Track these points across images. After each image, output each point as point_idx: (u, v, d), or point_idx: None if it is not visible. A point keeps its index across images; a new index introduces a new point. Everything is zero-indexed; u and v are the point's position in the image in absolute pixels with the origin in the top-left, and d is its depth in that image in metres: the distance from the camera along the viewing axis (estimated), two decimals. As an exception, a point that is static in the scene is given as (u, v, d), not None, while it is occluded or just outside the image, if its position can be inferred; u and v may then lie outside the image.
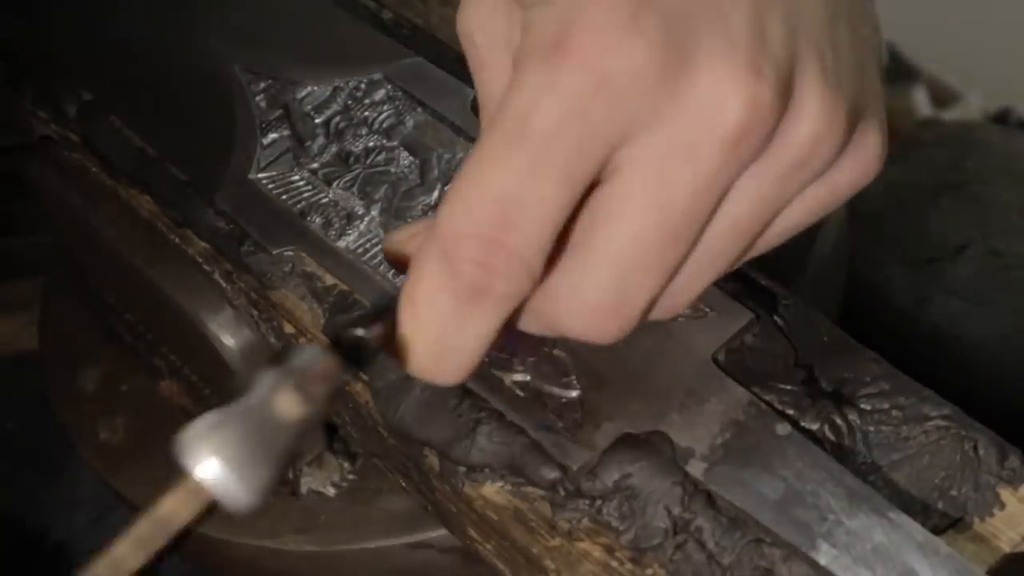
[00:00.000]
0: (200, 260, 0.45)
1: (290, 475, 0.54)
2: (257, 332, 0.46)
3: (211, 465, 0.26)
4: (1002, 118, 1.06)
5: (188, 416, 0.58)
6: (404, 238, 0.33)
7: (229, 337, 0.46)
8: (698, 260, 0.30)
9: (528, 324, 0.31)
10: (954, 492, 0.36)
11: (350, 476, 0.54)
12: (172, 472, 0.60)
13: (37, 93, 0.52)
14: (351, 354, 0.29)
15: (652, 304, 0.30)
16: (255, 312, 0.45)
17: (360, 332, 0.29)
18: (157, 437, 0.59)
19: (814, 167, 0.29)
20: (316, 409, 0.27)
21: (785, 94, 0.28)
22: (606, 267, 0.29)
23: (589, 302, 0.29)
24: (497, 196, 0.28)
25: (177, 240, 0.46)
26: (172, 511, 0.26)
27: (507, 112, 0.28)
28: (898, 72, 1.13)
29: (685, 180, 0.28)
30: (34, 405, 0.69)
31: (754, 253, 0.32)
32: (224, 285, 0.45)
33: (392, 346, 0.30)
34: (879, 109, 0.31)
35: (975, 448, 0.36)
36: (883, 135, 0.31)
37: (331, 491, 0.54)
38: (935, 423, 0.37)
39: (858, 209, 0.84)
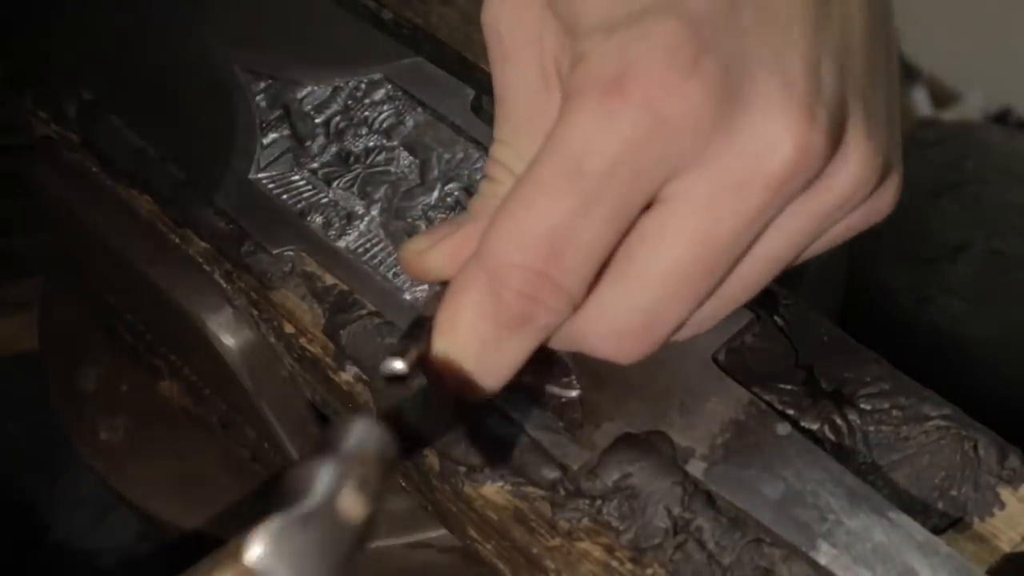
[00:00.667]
0: (200, 260, 0.45)
1: None
2: (257, 332, 0.46)
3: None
4: (1002, 118, 1.06)
5: (188, 416, 0.58)
6: (423, 248, 0.33)
7: (229, 337, 0.46)
8: (728, 290, 0.31)
9: (554, 342, 0.32)
10: (954, 492, 0.36)
11: (350, 476, 0.54)
12: (171, 472, 0.60)
13: (37, 93, 0.52)
14: (400, 412, 0.30)
15: (678, 329, 0.31)
16: (255, 312, 0.45)
17: (399, 365, 0.29)
18: (157, 437, 0.59)
19: (848, 210, 0.30)
20: (379, 504, 0.26)
21: (835, 139, 0.28)
22: (640, 294, 0.30)
23: (619, 327, 0.30)
24: (548, 231, 0.28)
25: (177, 240, 0.46)
26: None
27: (561, 147, 0.28)
28: (896, 152, 1.12)
29: (730, 217, 0.28)
30: (34, 405, 0.69)
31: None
32: (224, 285, 0.45)
33: (425, 366, 0.31)
34: (901, 158, 0.32)
35: (975, 448, 0.36)
36: (901, 182, 0.32)
37: None
38: (935, 423, 0.37)
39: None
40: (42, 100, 0.51)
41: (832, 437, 0.37)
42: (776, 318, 0.39)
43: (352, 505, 0.26)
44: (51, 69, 0.52)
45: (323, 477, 0.25)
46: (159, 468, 0.58)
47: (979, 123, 1.03)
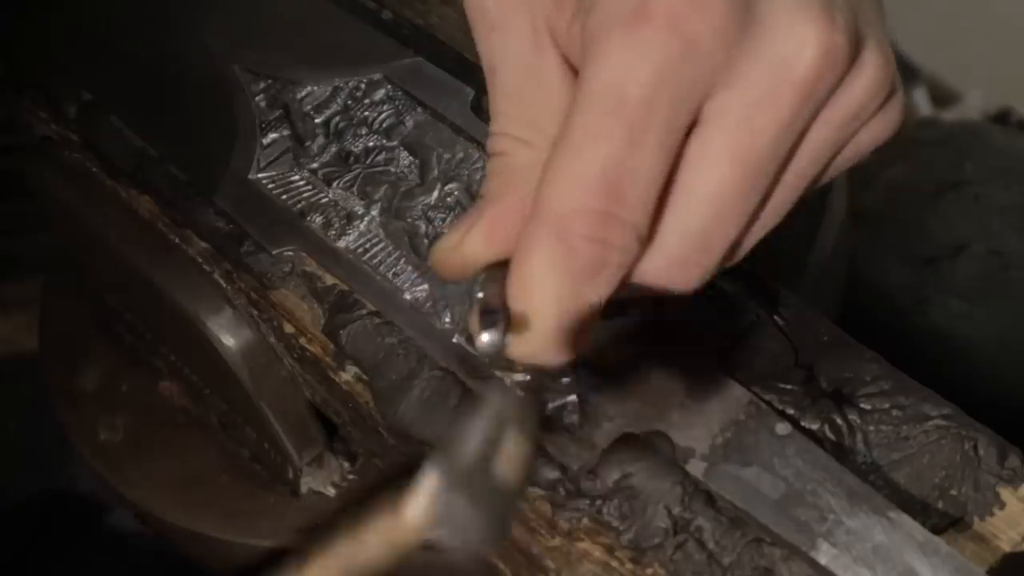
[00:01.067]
0: (200, 260, 0.45)
1: (290, 475, 0.54)
2: (257, 332, 0.46)
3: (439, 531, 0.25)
4: (1002, 118, 1.06)
5: (188, 416, 0.58)
6: (455, 242, 0.32)
7: (229, 337, 0.46)
8: (769, 207, 0.31)
9: None
10: (954, 491, 0.36)
11: (350, 476, 0.54)
12: (171, 472, 0.59)
13: (37, 93, 0.52)
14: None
15: (732, 251, 0.31)
16: (255, 312, 0.45)
17: (492, 337, 0.29)
18: (157, 437, 0.59)
19: (864, 119, 0.30)
20: (530, 462, 0.27)
21: (854, 43, 0.29)
22: (692, 218, 0.30)
23: (676, 253, 0.30)
24: (604, 170, 0.28)
25: (177, 240, 0.46)
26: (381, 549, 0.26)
27: (597, 85, 0.28)
28: (898, 72, 1.12)
29: (766, 127, 0.29)
30: (34, 405, 0.69)
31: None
32: (224, 285, 0.45)
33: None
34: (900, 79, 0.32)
35: (975, 447, 0.36)
36: (905, 100, 0.32)
37: (331, 491, 0.54)
38: (935, 422, 0.37)
39: (858, 209, 0.84)
40: (42, 100, 0.52)
41: (832, 437, 0.37)
42: (776, 318, 0.39)
43: (507, 462, 0.26)
44: (51, 69, 0.52)
45: (475, 438, 0.26)
46: (159, 468, 0.58)
47: (979, 123, 1.03)
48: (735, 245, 0.31)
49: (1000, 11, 1.05)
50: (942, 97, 1.12)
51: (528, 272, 0.29)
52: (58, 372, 0.63)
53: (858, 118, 0.30)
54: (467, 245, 0.32)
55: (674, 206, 0.30)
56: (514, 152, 0.32)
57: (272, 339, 0.45)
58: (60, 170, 0.50)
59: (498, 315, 0.29)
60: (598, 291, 0.30)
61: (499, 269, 0.31)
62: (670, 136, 0.29)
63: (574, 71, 0.31)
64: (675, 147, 0.29)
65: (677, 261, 0.30)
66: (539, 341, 0.30)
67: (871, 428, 0.37)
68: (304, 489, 0.54)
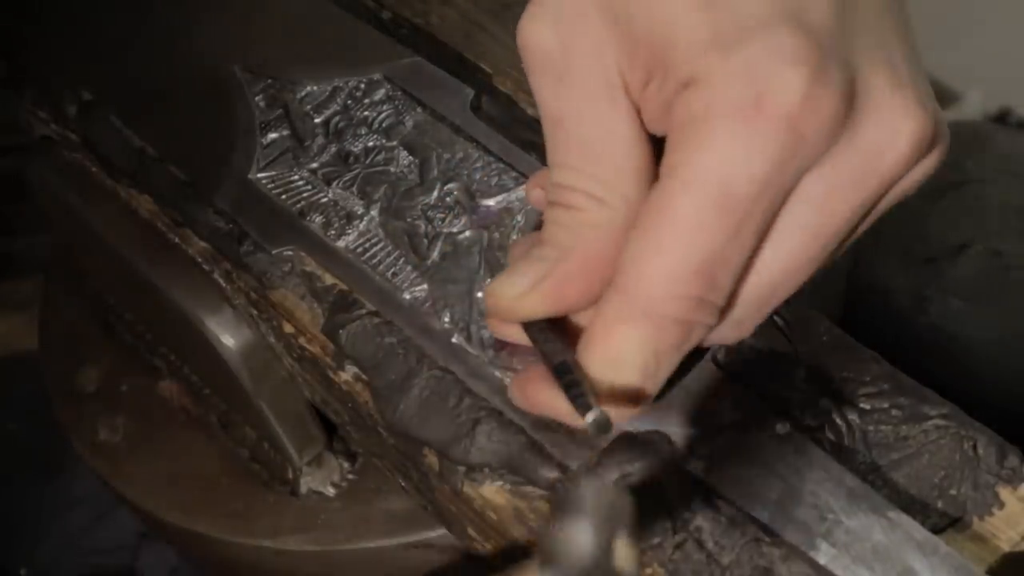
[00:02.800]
0: (200, 260, 0.45)
1: (290, 475, 0.54)
2: (257, 332, 0.46)
3: None
4: (1002, 118, 1.06)
5: (188, 416, 0.58)
6: (520, 292, 0.32)
7: (228, 337, 0.46)
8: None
9: None
10: (953, 491, 0.36)
11: (350, 476, 0.54)
12: (171, 472, 0.59)
13: (37, 93, 0.52)
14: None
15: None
16: (254, 312, 0.45)
17: (598, 415, 0.29)
18: (157, 437, 0.59)
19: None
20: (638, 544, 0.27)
21: (936, 125, 0.30)
22: (762, 290, 0.31)
23: (740, 319, 0.31)
24: (703, 261, 0.29)
25: (177, 240, 0.46)
26: None
27: (704, 173, 0.28)
28: None
29: (847, 210, 0.29)
30: (34, 405, 0.69)
31: None
32: (224, 285, 0.45)
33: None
34: None
35: (974, 447, 0.36)
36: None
37: (331, 491, 0.54)
38: (934, 422, 0.37)
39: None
40: (42, 100, 0.51)
41: (831, 437, 0.37)
42: (776, 318, 0.39)
43: (625, 560, 0.26)
44: (51, 69, 0.52)
45: (588, 539, 0.26)
46: (159, 468, 0.58)
47: (979, 123, 1.03)
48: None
49: (1000, 11, 1.05)
50: (942, 97, 1.12)
51: (615, 348, 0.30)
52: (58, 372, 0.63)
53: (917, 184, 0.31)
54: (532, 301, 0.32)
55: (747, 279, 0.31)
56: (587, 208, 0.31)
57: (272, 339, 0.46)
58: (60, 170, 0.50)
59: (582, 387, 0.30)
60: (678, 358, 0.31)
61: (553, 322, 0.33)
62: (766, 223, 0.29)
63: (645, 129, 0.31)
64: (769, 226, 0.30)
65: (740, 324, 0.32)
66: (622, 411, 0.31)
67: (870, 428, 0.37)
68: (304, 489, 0.54)
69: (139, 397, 0.60)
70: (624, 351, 0.30)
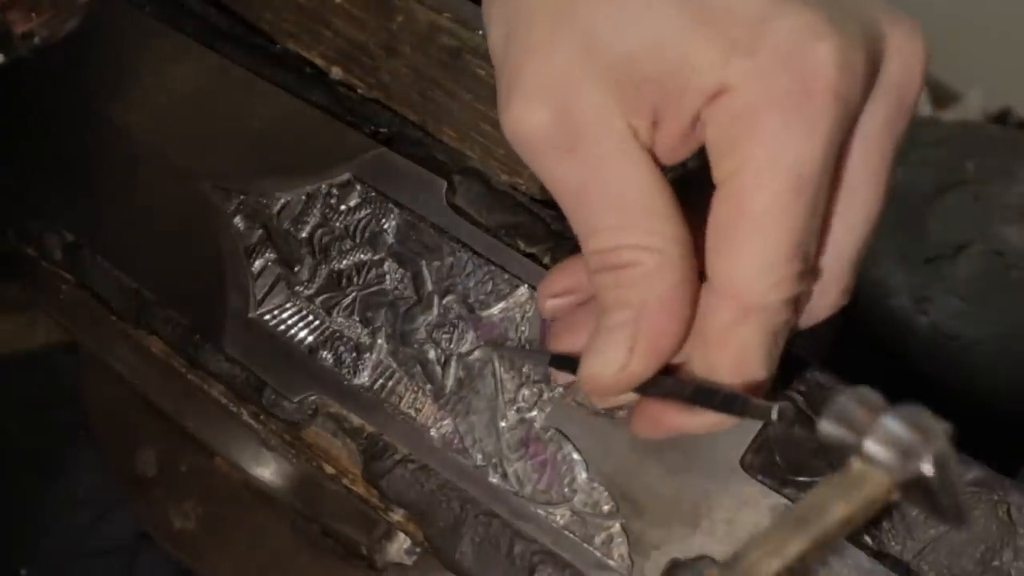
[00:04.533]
0: (224, 400, 0.45)
1: (364, 551, 0.53)
2: (299, 465, 0.45)
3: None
4: (1002, 118, 1.06)
5: (251, 490, 0.56)
6: (620, 366, 0.32)
7: (273, 477, 0.46)
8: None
9: None
10: (996, 563, 0.35)
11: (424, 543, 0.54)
12: (251, 556, 0.59)
13: (19, 233, 0.50)
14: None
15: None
16: (292, 452, 0.44)
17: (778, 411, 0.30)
18: (229, 519, 0.58)
19: None
20: None
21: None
22: (849, 238, 0.32)
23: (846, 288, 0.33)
24: (795, 242, 0.30)
25: (196, 380, 0.45)
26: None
27: (771, 169, 0.29)
28: None
29: (891, 148, 0.32)
30: (34, 405, 0.69)
31: None
32: (255, 426, 0.45)
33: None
34: None
35: (1008, 512, 0.36)
36: None
37: (408, 560, 0.53)
38: (968, 490, 0.36)
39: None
40: (25, 239, 0.49)
41: (869, 526, 0.36)
42: (792, 393, 0.38)
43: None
44: (28, 211, 0.49)
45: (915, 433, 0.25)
46: (238, 552, 0.58)
47: (979, 123, 1.03)
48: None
49: (1000, 11, 1.05)
50: (942, 97, 1.12)
51: (739, 349, 0.31)
52: (118, 459, 0.62)
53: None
54: (636, 365, 0.32)
55: (830, 244, 0.32)
56: (641, 261, 0.31)
57: (318, 472, 0.45)
58: (61, 306, 0.49)
59: (734, 395, 0.31)
60: (791, 326, 0.32)
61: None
62: (833, 187, 0.31)
63: (659, 164, 0.32)
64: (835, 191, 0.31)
65: (846, 289, 0.33)
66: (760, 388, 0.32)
67: (904, 503, 0.36)
68: (380, 563, 0.53)
69: (201, 478, 0.59)
70: (749, 348, 0.31)
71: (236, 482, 0.58)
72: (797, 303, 0.31)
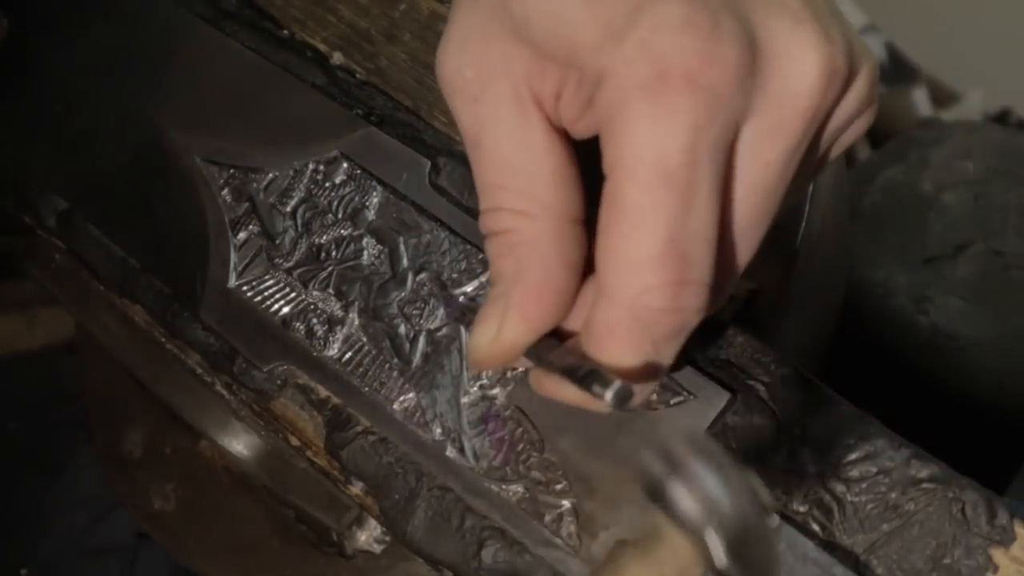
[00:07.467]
0: (199, 371, 0.45)
1: (335, 537, 0.53)
2: (268, 437, 0.45)
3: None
4: (1002, 118, 1.06)
5: (231, 476, 0.57)
6: (492, 335, 0.32)
7: (241, 448, 0.46)
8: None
9: None
10: (947, 560, 0.35)
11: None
12: (225, 539, 0.59)
13: (17, 201, 0.50)
14: None
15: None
16: (261, 423, 0.45)
17: (623, 390, 0.29)
18: (207, 502, 0.58)
19: (859, 116, 0.31)
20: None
21: (850, 55, 0.30)
22: (720, 249, 0.30)
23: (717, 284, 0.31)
24: (667, 240, 0.28)
25: (175, 350, 0.45)
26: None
27: (635, 159, 0.28)
28: (898, 72, 1.13)
29: (779, 158, 0.30)
30: (34, 405, 0.69)
31: None
32: (227, 396, 0.45)
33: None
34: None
35: (962, 510, 0.36)
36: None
37: (378, 548, 0.54)
38: (923, 487, 0.36)
39: (858, 209, 0.84)
40: (23, 207, 0.50)
41: (821, 517, 0.36)
42: (754, 383, 0.38)
43: (766, 499, 0.27)
44: (28, 177, 0.50)
45: (723, 489, 0.27)
46: (213, 535, 0.58)
47: (979, 123, 1.03)
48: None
49: (1000, 11, 1.05)
50: (942, 97, 1.12)
51: (613, 352, 0.30)
52: (105, 438, 0.62)
53: (851, 122, 0.31)
54: (506, 335, 0.32)
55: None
56: (518, 227, 0.31)
57: (284, 445, 0.45)
58: (53, 274, 0.49)
59: (593, 374, 0.30)
60: (680, 342, 0.30)
61: (545, 339, 0.32)
62: (716, 183, 0.29)
63: (562, 134, 0.31)
64: (721, 190, 0.29)
65: (719, 289, 0.31)
66: (643, 391, 0.31)
67: (859, 499, 0.36)
68: (351, 550, 0.54)
69: (184, 460, 0.59)
70: (622, 351, 0.30)
71: (217, 466, 0.58)
72: (683, 314, 0.29)
